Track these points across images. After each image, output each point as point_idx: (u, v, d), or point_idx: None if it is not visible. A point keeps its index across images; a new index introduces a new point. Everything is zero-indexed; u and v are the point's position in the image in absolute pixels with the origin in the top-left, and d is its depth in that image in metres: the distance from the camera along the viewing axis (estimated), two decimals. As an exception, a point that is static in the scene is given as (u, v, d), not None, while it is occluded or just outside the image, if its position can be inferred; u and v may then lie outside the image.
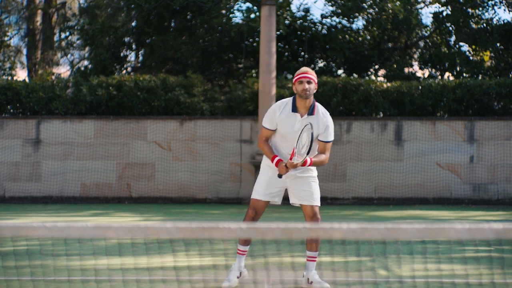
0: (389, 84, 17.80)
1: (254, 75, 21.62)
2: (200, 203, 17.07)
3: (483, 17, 20.51)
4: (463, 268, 6.83)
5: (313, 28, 21.55)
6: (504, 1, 20.40)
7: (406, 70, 21.23)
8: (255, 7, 21.01)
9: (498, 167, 17.08)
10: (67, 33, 26.13)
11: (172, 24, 21.70)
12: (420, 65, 21.01)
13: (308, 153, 5.79)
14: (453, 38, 21.30)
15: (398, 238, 2.83)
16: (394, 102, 17.62)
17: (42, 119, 17.22)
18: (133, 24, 22.31)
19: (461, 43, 21.12)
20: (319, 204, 6.11)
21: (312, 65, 21.74)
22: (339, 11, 21.49)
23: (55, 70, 26.37)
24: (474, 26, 20.47)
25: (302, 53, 21.59)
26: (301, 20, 21.53)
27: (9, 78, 21.10)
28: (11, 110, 17.74)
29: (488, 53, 20.75)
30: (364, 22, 21.84)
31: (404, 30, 21.01)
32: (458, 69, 20.27)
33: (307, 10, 21.78)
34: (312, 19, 21.71)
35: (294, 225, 2.88)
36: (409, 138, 17.21)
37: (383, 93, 17.61)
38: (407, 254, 7.70)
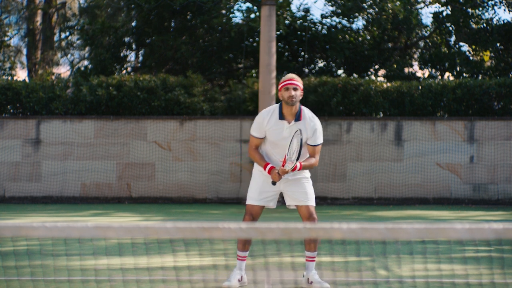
0: (389, 84, 17.80)
1: (254, 75, 21.62)
2: (200, 203, 17.07)
3: (483, 17, 20.51)
4: (463, 268, 6.83)
5: (313, 28, 21.55)
6: (504, 1, 20.40)
7: (406, 70, 21.23)
8: (255, 7, 21.01)
9: (498, 167, 17.08)
10: (67, 33, 26.14)
11: (172, 24, 21.70)
12: (420, 65, 21.01)
13: (298, 159, 5.82)
14: (453, 38, 21.30)
15: (398, 238, 2.83)
16: (394, 102, 17.62)
17: (42, 119, 17.23)
18: (133, 24, 22.32)
19: (461, 43, 21.12)
20: (314, 204, 6.09)
21: (312, 65, 21.75)
22: (339, 11, 21.49)
23: (55, 70, 26.37)
24: (474, 26, 20.47)
25: (302, 53, 21.59)
26: (301, 20, 21.53)
27: (9, 78, 21.11)
28: (11, 110, 17.74)
29: (488, 53, 20.76)
30: (364, 22, 21.85)
31: (404, 30, 21.01)
32: (458, 69, 20.27)
33: (307, 10, 21.78)
34: (312, 19, 21.71)
35: (294, 225, 2.88)
36: (409, 138, 17.21)
37: (383, 93, 17.61)
38: (407, 254, 7.70)
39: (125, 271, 6.54)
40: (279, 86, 6.04)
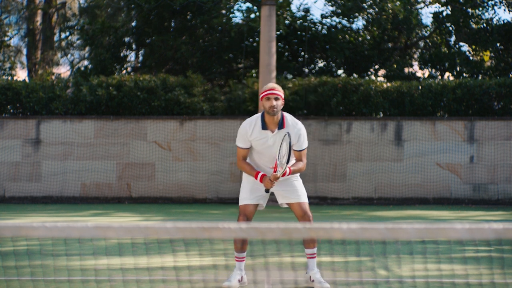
0: (389, 84, 17.80)
1: (254, 75, 21.62)
2: (200, 203, 17.07)
3: (483, 17, 20.51)
4: (463, 268, 6.83)
5: (313, 28, 21.55)
6: (504, 1, 20.40)
7: (406, 70, 21.23)
8: (255, 7, 21.02)
9: (498, 167, 17.08)
10: (67, 33, 26.14)
11: (172, 24, 21.70)
12: (420, 65, 21.01)
13: (288, 162, 5.83)
14: (453, 38, 21.30)
15: (398, 238, 2.83)
16: (394, 102, 17.63)
17: (42, 119, 17.23)
18: (133, 24, 22.32)
19: (461, 43, 21.12)
20: (306, 200, 6.09)
21: (312, 65, 21.75)
22: (339, 11, 21.49)
23: (55, 70, 26.38)
24: (474, 26, 20.47)
25: (302, 53, 21.59)
26: (301, 20, 21.54)
27: (9, 78, 21.11)
28: (11, 110, 17.74)
29: (488, 53, 20.75)
30: (364, 22, 21.85)
31: (404, 30, 21.01)
32: (458, 69, 20.27)
33: (307, 10, 21.78)
34: (312, 19, 21.71)
35: (294, 225, 2.88)
36: (409, 138, 17.21)
37: (383, 93, 17.62)
38: (407, 254, 7.70)
39: (125, 271, 6.54)
40: (260, 96, 6.05)
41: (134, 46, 22.38)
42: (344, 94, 17.65)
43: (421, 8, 22.01)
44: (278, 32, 20.09)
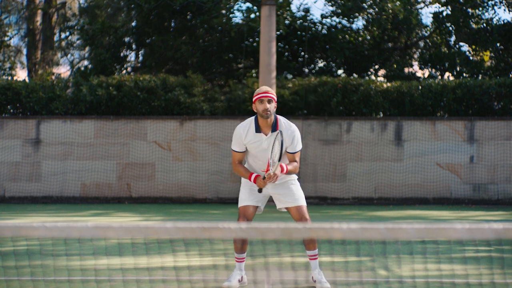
0: (389, 84, 17.80)
1: (254, 75, 21.62)
2: (200, 203, 17.07)
3: (483, 17, 20.51)
4: (463, 268, 6.83)
5: (313, 28, 21.55)
6: (504, 1, 20.40)
7: (406, 70, 21.23)
8: (255, 7, 21.02)
9: (498, 167, 17.08)
10: (67, 33, 26.14)
11: (172, 24, 21.70)
12: (420, 65, 21.01)
13: (280, 159, 5.82)
14: (453, 38, 21.30)
15: (398, 238, 2.83)
16: (394, 102, 17.63)
17: (42, 119, 17.23)
18: (133, 24, 22.32)
19: (461, 43, 21.12)
20: (303, 203, 6.06)
21: (312, 65, 21.75)
22: (339, 11, 21.49)
23: (55, 70, 26.38)
24: (474, 26, 20.47)
25: (302, 53, 21.59)
26: (301, 20, 21.54)
27: (9, 78, 21.11)
28: (11, 110, 17.74)
29: (488, 53, 20.75)
30: (364, 22, 21.85)
31: (404, 30, 21.01)
32: (458, 69, 20.27)
33: (307, 10, 21.78)
34: (312, 19, 21.71)
35: (294, 225, 2.88)
36: (409, 138, 17.21)
37: (383, 93, 17.62)
38: (407, 254, 7.70)
39: (125, 271, 6.54)
40: (253, 99, 6.04)
41: (134, 46, 22.39)
42: (344, 94, 17.65)
43: (421, 8, 22.01)
44: (278, 32, 20.09)
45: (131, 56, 23.85)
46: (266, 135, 6.03)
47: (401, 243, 8.59)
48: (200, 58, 21.04)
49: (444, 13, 20.78)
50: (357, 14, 21.39)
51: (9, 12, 26.42)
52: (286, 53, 21.71)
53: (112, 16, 24.77)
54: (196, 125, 17.34)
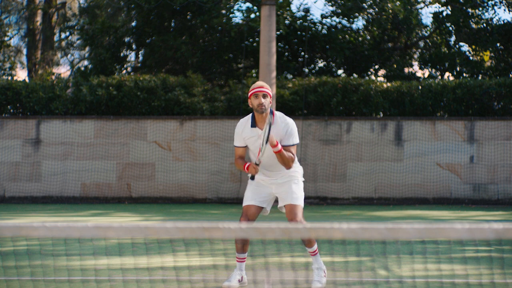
0: (389, 84, 17.80)
1: (254, 75, 21.62)
2: (200, 203, 17.07)
3: (483, 17, 20.51)
4: (463, 268, 6.83)
5: (313, 28, 21.55)
6: (504, 1, 20.40)
7: (406, 70, 21.23)
8: (255, 7, 21.01)
9: (498, 167, 17.08)
10: (67, 33, 26.15)
11: (172, 24, 21.70)
12: (420, 65, 21.01)
13: (267, 142, 5.82)
14: (453, 38, 21.30)
15: (398, 238, 2.83)
16: (394, 102, 17.63)
17: (42, 119, 17.23)
18: (133, 24, 22.32)
19: (461, 43, 21.12)
20: (299, 203, 5.99)
21: (312, 65, 21.75)
22: (339, 11, 21.49)
23: (55, 70, 26.38)
24: (474, 26, 20.47)
25: (302, 53, 21.59)
26: (301, 20, 21.53)
27: (9, 78, 21.11)
28: (11, 110, 17.74)
29: (488, 53, 20.75)
30: (364, 22, 21.85)
31: (404, 30, 21.01)
32: (458, 69, 20.27)
33: (307, 10, 21.77)
34: (312, 19, 21.70)
35: (294, 225, 2.88)
36: (409, 138, 17.21)
37: (383, 93, 17.62)
38: (407, 254, 7.70)
39: (125, 271, 6.54)
40: (249, 94, 6.09)
41: (134, 46, 22.38)
42: (344, 94, 17.65)
43: (421, 8, 22.01)
44: (278, 32, 20.08)
45: (131, 56, 23.86)
46: (262, 130, 6.04)
47: (401, 243, 8.59)
48: (200, 58, 21.04)
49: (444, 13, 20.78)
50: (357, 14, 21.39)
51: (9, 12, 26.43)
52: (286, 53, 21.71)
53: (112, 16, 24.77)
54: (196, 125, 17.34)
